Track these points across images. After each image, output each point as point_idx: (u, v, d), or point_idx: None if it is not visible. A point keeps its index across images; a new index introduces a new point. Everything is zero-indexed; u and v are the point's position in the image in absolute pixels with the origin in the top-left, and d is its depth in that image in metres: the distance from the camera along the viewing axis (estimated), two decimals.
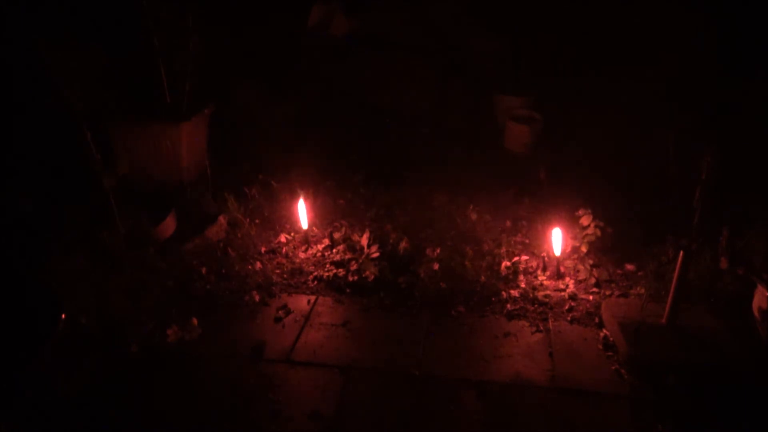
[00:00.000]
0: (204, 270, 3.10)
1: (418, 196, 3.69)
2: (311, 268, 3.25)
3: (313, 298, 3.03)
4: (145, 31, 3.51)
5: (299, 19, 4.78)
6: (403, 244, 3.20)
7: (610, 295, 2.98)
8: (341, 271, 3.15)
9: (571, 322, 2.83)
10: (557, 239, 3.12)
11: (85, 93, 3.03)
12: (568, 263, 3.21)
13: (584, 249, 3.21)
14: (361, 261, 3.16)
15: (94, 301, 2.76)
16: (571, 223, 3.29)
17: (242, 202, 3.66)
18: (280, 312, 2.91)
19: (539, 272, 3.17)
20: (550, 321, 2.83)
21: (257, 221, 3.61)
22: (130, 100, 3.75)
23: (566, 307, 2.91)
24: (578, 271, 3.15)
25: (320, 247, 3.39)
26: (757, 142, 3.01)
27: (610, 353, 2.61)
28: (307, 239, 3.46)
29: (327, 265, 3.23)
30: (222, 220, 3.51)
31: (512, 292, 3.00)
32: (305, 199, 3.48)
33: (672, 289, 2.57)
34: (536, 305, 2.93)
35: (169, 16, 3.53)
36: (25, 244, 2.98)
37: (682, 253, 2.47)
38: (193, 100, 3.82)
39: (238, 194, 3.69)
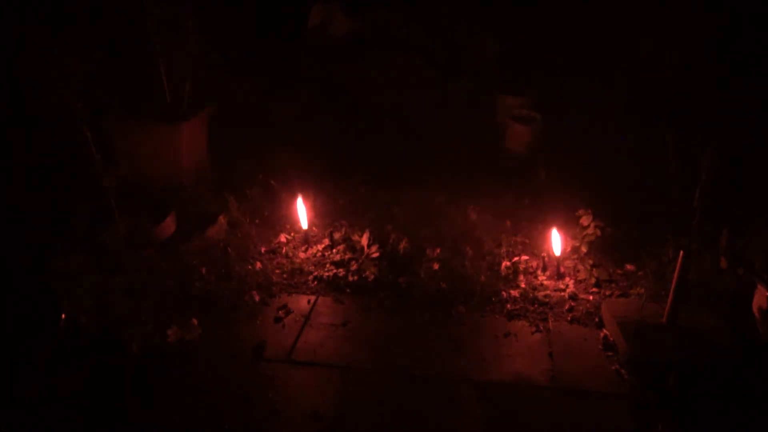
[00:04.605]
0: (204, 270, 3.10)
1: (418, 196, 3.69)
2: (311, 268, 3.25)
3: (313, 298, 3.03)
4: (145, 31, 3.51)
5: (299, 19, 4.78)
6: (403, 244, 3.20)
7: (610, 295, 2.99)
8: (341, 271, 3.15)
9: (571, 322, 2.83)
10: (557, 239, 3.12)
11: (85, 93, 3.03)
12: (568, 263, 3.21)
13: (584, 249, 3.21)
14: (361, 261, 3.16)
15: (94, 301, 2.76)
16: (571, 223, 3.28)
17: (242, 202, 3.66)
18: (280, 312, 2.91)
19: (539, 272, 3.17)
20: (550, 321, 2.83)
21: (257, 221, 3.61)
22: (130, 100, 3.75)
23: (566, 307, 2.91)
24: (578, 271, 3.15)
25: (320, 247, 3.39)
26: (758, 142, 3.01)
27: (610, 353, 2.62)
28: (307, 239, 3.46)
29: (327, 265, 3.23)
30: (222, 220, 3.51)
31: (512, 292, 3.00)
32: (305, 199, 3.48)
33: (672, 289, 2.57)
34: (536, 305, 2.93)
35: (169, 16, 3.53)
36: (25, 243, 2.98)
37: (682, 253, 2.47)
38: (193, 100, 3.82)
39: (238, 194, 3.68)
